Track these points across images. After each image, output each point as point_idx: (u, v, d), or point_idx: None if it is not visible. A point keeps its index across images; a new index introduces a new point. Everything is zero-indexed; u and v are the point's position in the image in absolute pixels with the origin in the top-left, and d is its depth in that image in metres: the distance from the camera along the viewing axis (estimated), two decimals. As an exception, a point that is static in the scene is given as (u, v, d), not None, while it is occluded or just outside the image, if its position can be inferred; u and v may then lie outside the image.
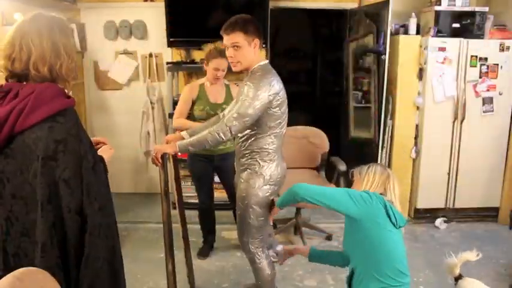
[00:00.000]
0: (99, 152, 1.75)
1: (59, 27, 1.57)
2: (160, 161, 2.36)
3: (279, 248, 2.46)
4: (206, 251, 3.57)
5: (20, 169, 1.53)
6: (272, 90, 2.26)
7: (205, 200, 3.51)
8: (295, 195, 2.01)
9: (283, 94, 2.35)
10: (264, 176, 2.40)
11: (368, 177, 2.05)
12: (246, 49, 2.31)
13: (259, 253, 2.55)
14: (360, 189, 2.03)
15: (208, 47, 3.19)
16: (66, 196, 1.51)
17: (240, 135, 2.45)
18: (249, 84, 2.28)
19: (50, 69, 1.53)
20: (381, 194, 2.01)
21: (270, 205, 2.43)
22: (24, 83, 1.54)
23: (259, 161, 2.40)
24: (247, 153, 2.43)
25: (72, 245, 1.54)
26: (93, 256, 1.58)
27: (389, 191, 2.03)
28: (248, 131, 2.39)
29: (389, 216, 1.88)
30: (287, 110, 2.44)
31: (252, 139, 2.39)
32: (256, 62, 2.36)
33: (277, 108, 2.32)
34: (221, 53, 2.98)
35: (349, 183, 2.20)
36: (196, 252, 3.50)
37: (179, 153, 2.32)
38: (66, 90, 1.60)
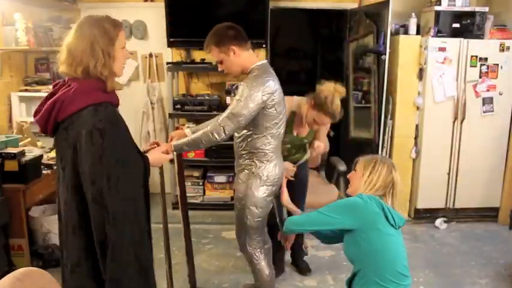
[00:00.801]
0: (148, 154, 1.93)
1: (100, 28, 1.75)
2: None
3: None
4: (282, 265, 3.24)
5: None
6: (266, 90, 2.23)
7: (279, 214, 2.73)
8: (289, 231, 2.06)
9: (278, 94, 2.32)
10: (261, 176, 2.39)
11: (371, 179, 1.93)
12: (226, 60, 2.33)
13: (257, 253, 2.54)
14: (358, 188, 1.97)
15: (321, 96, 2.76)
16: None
17: (237, 135, 2.44)
18: (244, 84, 2.28)
19: (84, 69, 1.67)
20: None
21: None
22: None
23: (256, 162, 2.39)
24: (244, 154, 2.43)
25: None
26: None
27: (388, 197, 1.93)
28: (245, 131, 2.38)
29: (387, 218, 1.85)
30: (284, 110, 2.42)
31: (249, 140, 2.38)
32: (252, 63, 2.35)
33: (273, 109, 2.30)
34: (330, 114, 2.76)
35: (349, 184, 2.16)
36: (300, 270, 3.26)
37: (175, 153, 2.31)
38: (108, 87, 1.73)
